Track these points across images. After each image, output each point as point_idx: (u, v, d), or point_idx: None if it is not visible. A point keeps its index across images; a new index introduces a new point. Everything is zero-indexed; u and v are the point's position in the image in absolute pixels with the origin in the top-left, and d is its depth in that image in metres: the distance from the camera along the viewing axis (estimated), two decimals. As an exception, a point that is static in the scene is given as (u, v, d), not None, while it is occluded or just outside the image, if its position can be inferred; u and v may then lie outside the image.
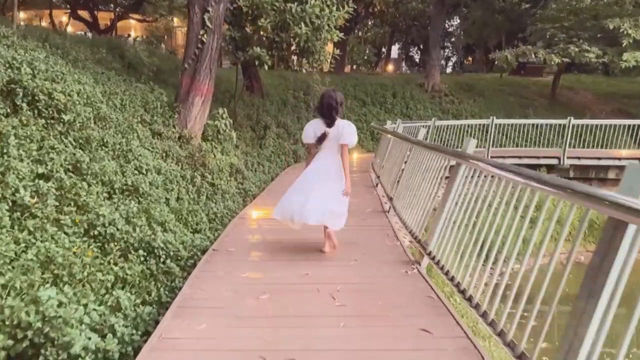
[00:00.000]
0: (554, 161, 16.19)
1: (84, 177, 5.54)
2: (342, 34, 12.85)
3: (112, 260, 4.59)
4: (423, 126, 11.17)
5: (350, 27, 25.09)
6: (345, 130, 5.05)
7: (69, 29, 24.83)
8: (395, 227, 6.12)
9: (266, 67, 11.69)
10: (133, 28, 35.28)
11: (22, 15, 27.59)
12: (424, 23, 41.86)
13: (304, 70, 12.40)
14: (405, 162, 7.20)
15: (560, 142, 16.90)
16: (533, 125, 17.53)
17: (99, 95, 7.97)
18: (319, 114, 5.23)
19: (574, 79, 26.59)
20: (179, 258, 5.16)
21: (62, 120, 6.07)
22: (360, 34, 35.60)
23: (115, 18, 28.56)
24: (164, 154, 8.10)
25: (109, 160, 6.36)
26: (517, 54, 19.28)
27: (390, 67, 38.39)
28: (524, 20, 26.10)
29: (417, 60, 50.87)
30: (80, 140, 6.13)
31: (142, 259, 4.83)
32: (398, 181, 7.27)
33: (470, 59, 45.45)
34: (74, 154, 5.64)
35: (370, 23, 39.18)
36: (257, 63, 11.51)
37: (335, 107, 5.07)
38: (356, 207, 7.14)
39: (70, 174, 5.36)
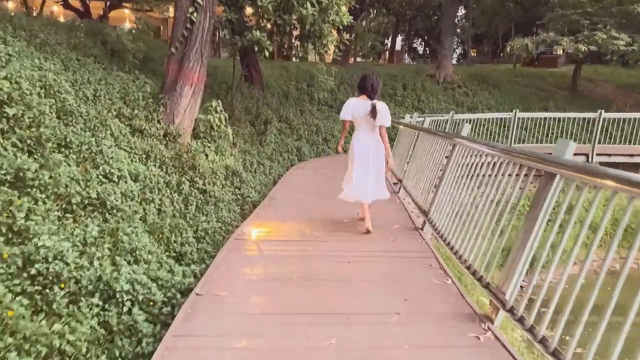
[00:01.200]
0: (581, 158, 14.80)
1: (28, 190, 4.15)
2: (351, 17, 11.43)
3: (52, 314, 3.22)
4: (467, 121, 9.72)
5: (355, 14, 23.65)
6: (383, 111, 5.55)
7: (61, 19, 23.52)
8: (435, 250, 4.74)
9: (267, 54, 10.27)
10: (127, 18, 33.84)
11: (10, 5, 26.20)
12: (429, 13, 40.64)
13: (308, 58, 10.98)
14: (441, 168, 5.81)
15: (586, 138, 15.54)
16: (555, 119, 16.11)
17: (66, 84, 6.58)
18: (364, 92, 5.69)
19: (592, 70, 25.13)
20: (151, 303, 3.78)
21: (4, 115, 4.68)
22: (364, 23, 34.12)
23: (107, 7, 27.09)
24: (145, 156, 6.70)
25: (68, 165, 4.98)
26: (537, 42, 17.81)
27: (393, 59, 36.91)
28: (539, 7, 24.61)
29: (420, 52, 49.56)
30: (29, 141, 4.73)
31: (97, 309, 3.46)
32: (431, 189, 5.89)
33: (474, 50, 43.93)
34: (16, 160, 4.25)
35: (374, 12, 37.79)
36: (256, 49, 10.07)
37: (377, 87, 5.66)
38: (380, 222, 5.77)
39: (6, 187, 3.97)
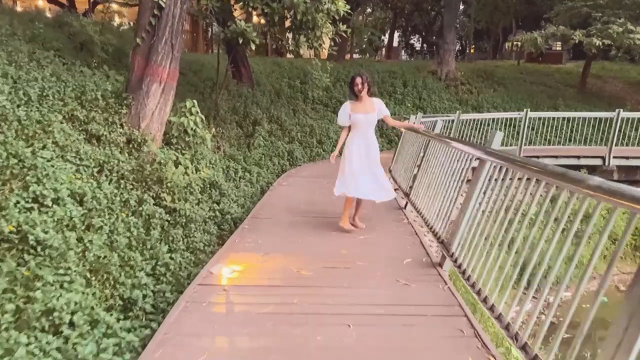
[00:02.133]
0: (597, 161, 13.70)
1: None
2: (348, 6, 10.24)
3: None
4: (499, 130, 8.47)
5: (352, 7, 22.46)
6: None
7: (47, 14, 22.32)
8: (464, 301, 3.55)
9: (253, 47, 9.07)
10: (116, 13, 32.55)
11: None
12: (427, 8, 39.46)
13: (301, 52, 9.80)
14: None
15: (598, 138, 14.41)
16: (567, 119, 14.95)
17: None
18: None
19: (599, 67, 23.98)
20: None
21: None
22: (360, 18, 32.89)
23: (91, 2, 25.75)
24: (98, 169, 5.50)
25: (-21, 188, 3.79)
26: (546, 36, 16.65)
27: (390, 56, 35.69)
28: (544, 0, 23.48)
29: (417, 48, 48.43)
30: None
31: None
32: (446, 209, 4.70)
33: (472, 46, 42.73)
34: None
35: (371, 7, 36.57)
36: (241, 41, 8.86)
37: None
38: (385, 255, 4.59)
39: None
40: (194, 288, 3.75)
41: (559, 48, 28.68)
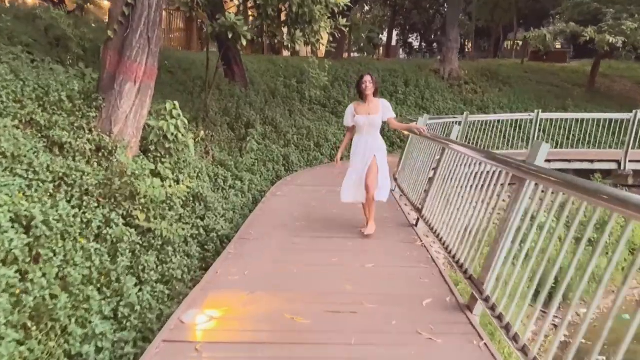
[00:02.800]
0: (612, 165, 12.89)
1: None
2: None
3: None
4: (505, 131, 7.64)
5: (350, 3, 21.63)
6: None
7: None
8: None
9: (244, 43, 8.21)
10: (91, 4, 31.56)
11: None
12: (426, 6, 38.66)
13: (296, 48, 8.95)
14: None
15: (611, 141, 13.63)
16: (576, 120, 14.13)
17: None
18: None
19: (606, 66, 23.18)
20: None
21: None
22: (359, 15, 32.03)
23: (82, -4, 24.84)
24: (55, 184, 4.64)
25: None
26: (555, 32, 15.83)
27: (389, 54, 34.85)
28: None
29: (416, 47, 47.73)
30: None
31: None
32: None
33: (470, 44, 41.91)
34: None
35: (370, 4, 35.75)
36: (230, 36, 8.01)
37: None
38: (400, 292, 3.75)
39: None
40: (157, 347, 2.89)
41: (558, 46, 27.91)
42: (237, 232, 5.68)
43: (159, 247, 5.05)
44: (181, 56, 15.09)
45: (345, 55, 27.51)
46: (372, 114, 5.42)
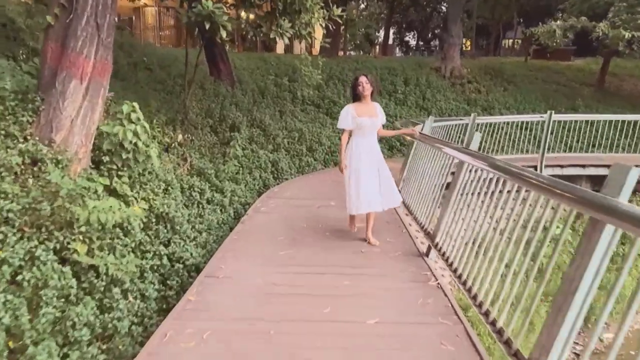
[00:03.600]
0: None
1: None
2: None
3: None
4: (514, 134, 6.59)
5: (346, 0, 20.56)
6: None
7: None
8: None
9: (224, 35, 7.12)
10: None
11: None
12: (423, 3, 37.65)
13: (284, 39, 7.87)
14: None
15: (625, 144, 12.62)
16: (588, 122, 13.11)
17: None
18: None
19: (613, 64, 22.16)
20: None
21: None
22: (354, 12, 30.93)
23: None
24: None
25: None
26: (564, 27, 14.79)
27: (386, 52, 33.80)
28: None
29: (412, 45, 46.87)
30: None
31: None
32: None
33: (467, 42, 40.93)
34: None
35: (364, 2, 34.77)
36: (207, 26, 6.91)
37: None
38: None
39: None
40: None
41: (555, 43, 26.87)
42: (205, 265, 4.58)
43: (102, 288, 3.96)
44: (163, 52, 13.99)
45: (341, 53, 26.45)
46: (374, 116, 5.19)
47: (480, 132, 11.49)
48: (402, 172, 7.93)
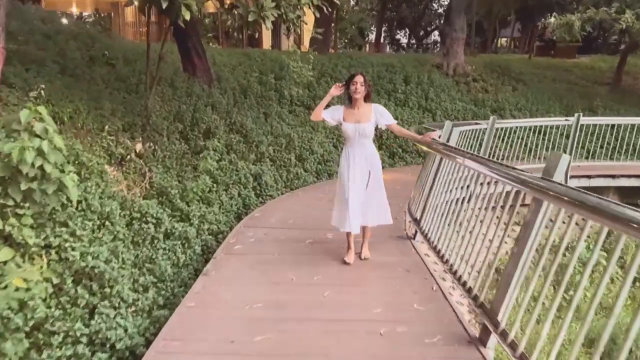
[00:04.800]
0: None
1: None
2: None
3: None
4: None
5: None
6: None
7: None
8: None
9: (187, 16, 5.45)
10: (75, 2, 28.71)
11: None
12: (416, 0, 36.25)
13: (267, 24, 6.19)
14: None
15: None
16: (609, 125, 11.60)
17: None
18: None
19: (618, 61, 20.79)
20: None
21: None
22: (345, 7, 29.28)
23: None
24: None
25: None
26: (582, 20, 13.25)
27: (379, 49, 32.24)
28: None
29: (404, 44, 45.56)
30: None
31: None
32: None
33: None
34: None
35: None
36: (165, 6, 5.23)
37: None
38: None
39: None
40: None
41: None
42: (157, 338, 2.89)
43: None
44: (133, 46, 12.27)
45: (332, 51, 24.80)
46: (362, 122, 4.65)
47: (500, 138, 10.02)
48: (417, 185, 6.28)
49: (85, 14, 30.98)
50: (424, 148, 5.53)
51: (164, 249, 5.16)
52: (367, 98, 4.69)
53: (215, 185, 7.40)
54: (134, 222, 5.22)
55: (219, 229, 6.44)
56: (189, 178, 7.27)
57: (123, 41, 13.31)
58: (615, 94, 15.74)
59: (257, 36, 25.72)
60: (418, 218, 5.38)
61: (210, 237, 6.06)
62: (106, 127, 6.94)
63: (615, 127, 11.62)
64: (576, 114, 9.94)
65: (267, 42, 22.97)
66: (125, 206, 5.47)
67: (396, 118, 12.30)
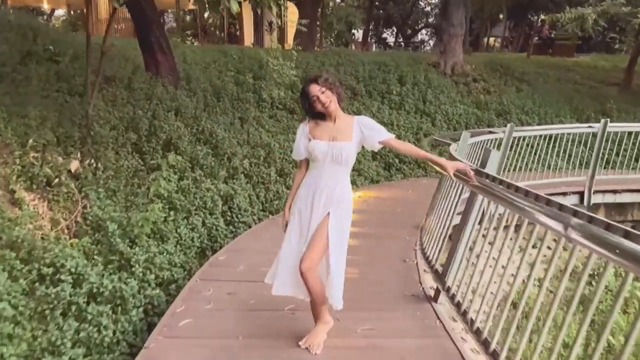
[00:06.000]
0: None
1: None
2: None
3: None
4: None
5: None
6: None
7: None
8: None
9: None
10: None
11: None
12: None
13: (232, 10, 4.66)
14: None
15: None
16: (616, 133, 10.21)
17: None
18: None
19: (619, 60, 19.61)
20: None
21: None
22: (331, 4, 27.79)
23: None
24: None
25: None
26: (598, 13, 11.91)
27: (368, 48, 30.85)
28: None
29: (390, 43, 44.43)
30: None
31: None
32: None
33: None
34: None
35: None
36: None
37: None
38: None
39: None
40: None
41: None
42: None
43: None
44: (82, 40, 10.64)
45: (317, 49, 23.28)
46: (340, 140, 3.09)
47: (518, 148, 8.59)
48: (438, 229, 4.79)
49: (58, 11, 29.23)
50: (437, 168, 4.01)
51: (84, 320, 3.61)
52: (340, 100, 3.15)
53: (172, 212, 5.86)
54: (40, 282, 3.67)
55: (172, 276, 4.90)
56: (140, 204, 5.71)
57: (78, 36, 11.67)
58: (626, 95, 14.44)
59: (237, 33, 24.22)
60: (440, 272, 3.89)
61: (158, 291, 4.51)
62: (30, 140, 5.40)
63: (633, 134, 10.24)
64: (602, 120, 8.54)
65: (248, 39, 21.47)
66: (34, 257, 3.92)
67: (391, 124, 10.96)
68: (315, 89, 3.03)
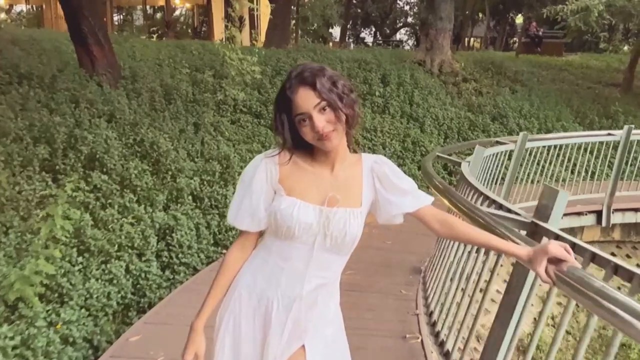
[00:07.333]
0: None
1: None
2: None
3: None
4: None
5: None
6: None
7: None
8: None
9: None
10: (5, -3, 25.06)
11: None
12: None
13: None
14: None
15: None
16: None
17: None
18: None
19: (615, 59, 18.56)
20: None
21: None
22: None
23: None
24: None
25: None
26: (605, 4, 10.62)
27: (345, 47, 29.47)
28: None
29: (369, 43, 43.28)
30: None
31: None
32: None
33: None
34: None
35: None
36: None
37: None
38: None
39: None
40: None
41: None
42: None
43: None
44: (24, 34, 8.98)
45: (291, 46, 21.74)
46: (345, 204, 1.50)
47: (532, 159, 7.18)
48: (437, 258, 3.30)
49: (18, 8, 27.23)
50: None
51: None
52: (347, 135, 1.52)
53: (83, 258, 4.26)
54: None
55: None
56: (39, 247, 4.10)
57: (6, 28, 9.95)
58: (628, 97, 13.22)
59: (205, 28, 22.68)
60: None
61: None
62: None
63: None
64: (626, 126, 7.18)
65: (218, 34, 19.86)
66: None
67: (375, 130, 9.44)
68: (308, 102, 1.42)
